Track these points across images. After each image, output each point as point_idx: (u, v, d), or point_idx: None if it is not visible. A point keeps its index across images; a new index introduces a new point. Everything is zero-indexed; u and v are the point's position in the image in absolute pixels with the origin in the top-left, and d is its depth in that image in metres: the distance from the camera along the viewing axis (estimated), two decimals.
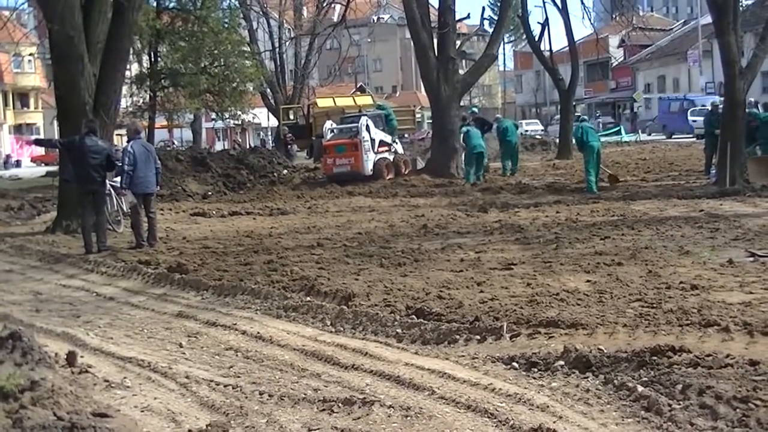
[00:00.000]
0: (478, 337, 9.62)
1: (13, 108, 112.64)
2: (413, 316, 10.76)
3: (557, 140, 51.50)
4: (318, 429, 7.17)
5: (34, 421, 6.71)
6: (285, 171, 38.59)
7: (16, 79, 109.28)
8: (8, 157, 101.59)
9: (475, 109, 44.42)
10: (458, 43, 40.97)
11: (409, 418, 7.34)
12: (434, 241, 17.73)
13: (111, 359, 9.72)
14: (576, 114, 55.01)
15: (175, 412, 7.71)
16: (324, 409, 7.66)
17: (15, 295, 14.38)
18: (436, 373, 8.51)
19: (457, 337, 9.72)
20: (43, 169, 73.92)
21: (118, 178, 19.68)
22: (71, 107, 22.74)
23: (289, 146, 54.54)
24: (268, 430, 7.15)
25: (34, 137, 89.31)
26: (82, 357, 9.48)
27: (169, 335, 10.97)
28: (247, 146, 58.31)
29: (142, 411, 7.81)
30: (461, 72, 39.71)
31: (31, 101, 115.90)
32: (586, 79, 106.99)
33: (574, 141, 33.93)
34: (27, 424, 6.65)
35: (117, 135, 40.96)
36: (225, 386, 8.45)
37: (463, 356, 9.09)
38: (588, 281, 12.46)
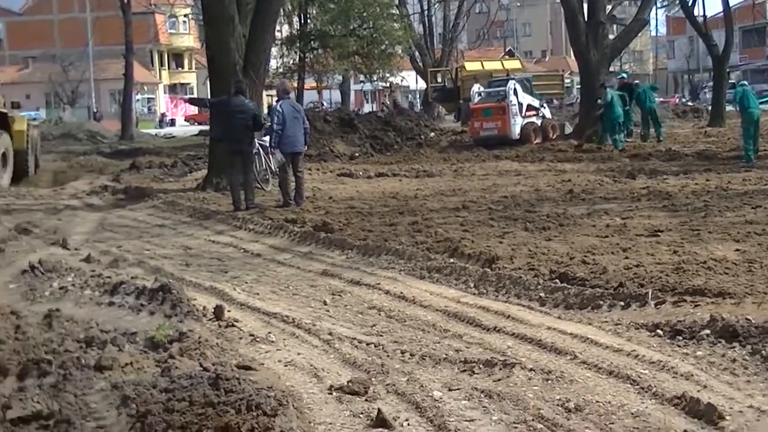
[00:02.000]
0: (622, 303, 9.51)
1: (168, 68, 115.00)
2: (557, 281, 10.69)
3: (709, 107, 50.20)
4: (458, 389, 7.20)
5: (181, 370, 6.90)
6: (432, 134, 38.60)
7: (171, 39, 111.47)
8: (163, 115, 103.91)
9: (624, 75, 43.64)
10: (608, 7, 40.30)
11: (550, 381, 7.32)
12: (580, 206, 17.56)
13: (256, 314, 9.90)
14: (730, 81, 53.60)
15: (318, 368, 7.83)
16: (465, 370, 7.70)
17: (166, 249, 14.77)
18: (578, 337, 8.46)
19: (601, 302, 9.63)
20: (195, 128, 75.52)
21: (267, 137, 19.97)
22: (222, 67, 23.17)
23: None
24: (409, 389, 7.20)
25: (187, 96, 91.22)
26: (228, 311, 9.72)
27: (314, 293, 11.12)
28: (395, 108, 58.62)
29: (286, 365, 7.96)
30: (611, 37, 39.09)
31: (185, 61, 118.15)
32: (741, 45, 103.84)
33: (735, 107, 32.97)
34: (174, 373, 6.84)
35: (266, 95, 41.52)
36: (367, 344, 8.54)
37: (606, 322, 9.02)
38: (737, 250, 12.16)
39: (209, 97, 23.38)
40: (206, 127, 62.33)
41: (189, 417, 5.81)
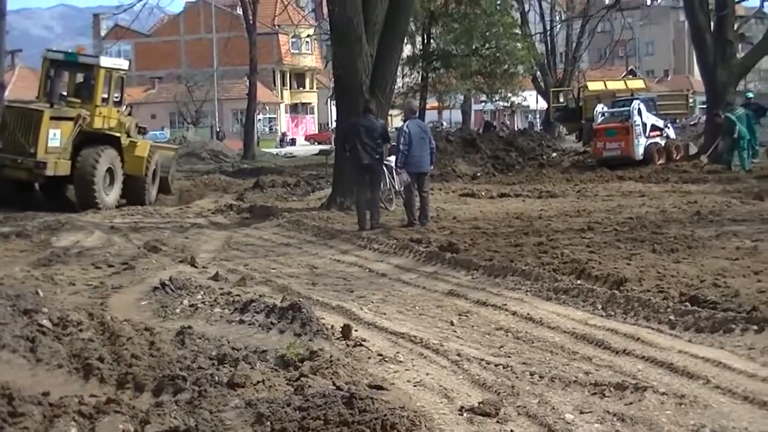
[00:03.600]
0: (756, 327, 9.29)
1: (290, 88, 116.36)
2: (687, 303, 10.49)
3: None
4: (590, 412, 7.13)
5: (314, 389, 6.95)
6: (554, 154, 38.38)
7: (294, 60, 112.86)
8: (284, 135, 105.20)
9: (750, 94, 42.79)
10: (736, 25, 39.61)
11: (683, 405, 7.20)
12: (708, 228, 17.24)
13: (384, 334, 9.93)
14: None
15: (447, 389, 7.82)
16: (595, 393, 7.62)
17: (292, 268, 14.90)
18: (710, 361, 8.31)
19: (733, 326, 9.42)
20: (316, 148, 76.26)
21: (393, 157, 20.05)
22: (348, 87, 23.37)
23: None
24: (540, 411, 7.16)
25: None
26: (356, 330, 9.76)
27: (440, 313, 11.12)
28: (515, 128, 58.35)
29: (415, 386, 7.97)
30: (738, 56, 38.41)
31: (307, 81, 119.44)
32: None
33: None
34: (308, 392, 6.89)
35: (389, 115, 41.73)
36: (496, 365, 8.50)
37: (739, 346, 8.84)
38: None
39: (335, 117, 23.46)
40: (326, 147, 63.04)
41: None
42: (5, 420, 6.77)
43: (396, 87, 45.91)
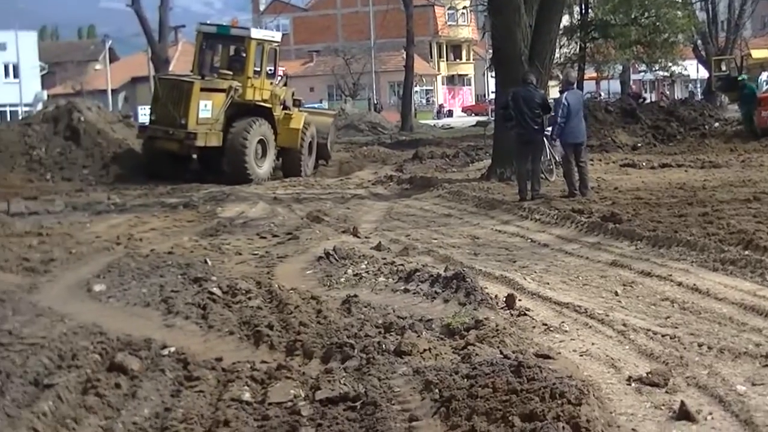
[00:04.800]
0: None
1: (447, 59, 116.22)
2: None
3: None
4: (762, 384, 6.99)
5: (481, 357, 6.99)
6: (716, 123, 37.47)
7: (450, 31, 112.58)
8: (441, 106, 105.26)
9: None
10: None
11: None
12: None
13: (548, 304, 9.90)
14: None
15: (614, 359, 7.76)
16: (767, 365, 7.46)
17: (454, 239, 14.94)
18: None
19: None
20: (473, 119, 76.10)
21: (550, 128, 19.89)
22: (507, 57, 23.22)
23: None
24: (710, 382, 7.05)
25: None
26: (519, 300, 9.76)
27: (604, 283, 11.01)
28: (675, 98, 57.16)
29: (581, 355, 7.93)
30: None
31: (463, 53, 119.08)
32: None
33: None
34: (475, 360, 6.93)
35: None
36: (662, 336, 8.39)
37: None
38: None
39: (494, 88, 23.35)
40: (483, 118, 62.84)
41: (493, 403, 5.87)
42: (182, 383, 7.00)
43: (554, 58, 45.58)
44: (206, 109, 27.26)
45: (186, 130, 26.81)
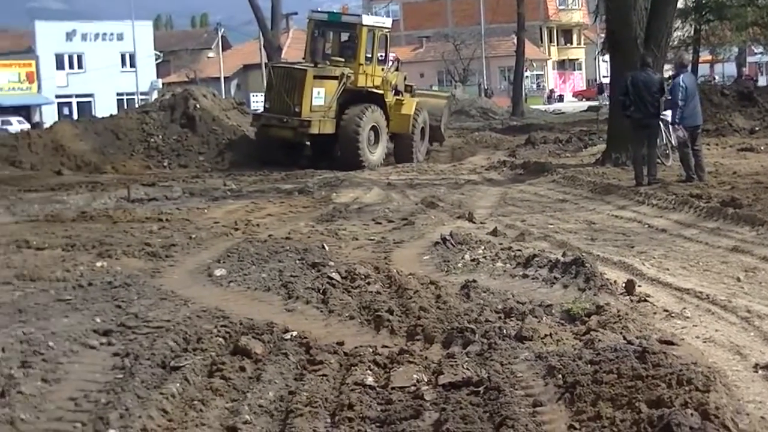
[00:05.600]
0: None
1: (557, 44, 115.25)
2: None
3: None
4: None
5: (604, 343, 6.95)
6: None
7: (561, 15, 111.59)
8: (551, 91, 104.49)
9: None
10: None
11: None
12: None
13: (668, 290, 9.77)
14: None
15: (739, 345, 7.64)
16: None
17: (570, 224, 14.83)
18: None
19: None
20: (584, 104, 75.37)
21: (668, 112, 19.57)
22: (622, 41, 22.88)
23: None
24: None
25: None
26: (639, 286, 9.64)
27: (725, 269, 10.83)
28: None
29: (704, 342, 7.82)
30: None
31: (574, 37, 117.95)
32: None
33: None
34: (598, 345, 6.89)
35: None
36: None
37: None
38: None
39: (607, 73, 23.07)
40: (596, 103, 62.21)
41: (618, 389, 5.83)
42: (305, 367, 7.09)
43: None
44: (319, 96, 27.51)
45: (300, 118, 27.08)
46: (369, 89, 28.58)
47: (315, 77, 27.47)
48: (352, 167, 26.31)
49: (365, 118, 27.55)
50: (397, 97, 29.22)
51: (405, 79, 31.01)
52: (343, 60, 28.53)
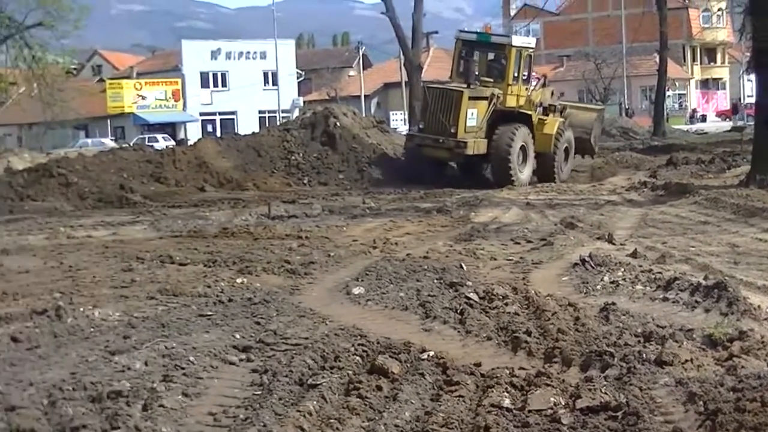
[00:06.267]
0: None
1: (700, 63, 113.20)
2: None
3: None
4: None
5: (747, 370, 6.80)
6: None
7: (704, 34, 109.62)
8: (694, 111, 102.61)
9: None
10: None
11: None
12: None
13: None
14: None
15: None
16: None
17: (712, 247, 14.51)
18: None
19: None
20: (727, 124, 73.88)
21: None
22: None
23: None
24: None
25: None
26: None
27: None
28: None
29: None
30: None
31: (718, 56, 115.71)
32: None
33: None
34: (741, 372, 6.74)
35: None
36: None
37: None
38: None
39: (753, 92, 22.56)
40: (740, 123, 60.86)
41: (762, 418, 5.71)
42: (441, 388, 7.10)
43: None
44: (472, 117, 28.08)
45: (456, 139, 27.64)
46: (519, 110, 28.97)
47: (469, 98, 27.95)
48: (503, 185, 26.71)
49: (516, 137, 28.01)
50: (540, 117, 29.30)
51: (552, 94, 31.27)
52: (491, 80, 29.01)
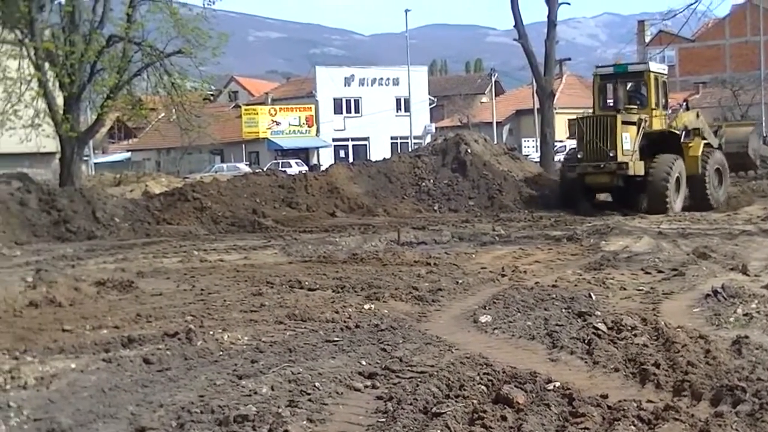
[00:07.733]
0: None
1: None
2: None
3: None
4: None
5: None
6: None
7: None
8: None
9: None
10: None
11: None
12: None
13: None
14: None
15: None
16: None
17: None
18: None
19: None
20: None
21: None
22: None
23: None
24: None
25: None
26: None
27: None
28: None
29: None
30: None
31: None
32: None
33: None
34: None
35: None
36: None
37: None
38: None
39: None
40: None
41: None
42: (567, 419, 7.01)
43: None
44: (627, 140, 28.63)
45: (617, 161, 28.17)
46: (669, 130, 29.55)
47: (622, 123, 28.54)
48: (657, 212, 27.41)
49: (674, 167, 28.36)
50: (684, 142, 29.42)
51: (698, 116, 31.54)
52: (634, 107, 29.53)
